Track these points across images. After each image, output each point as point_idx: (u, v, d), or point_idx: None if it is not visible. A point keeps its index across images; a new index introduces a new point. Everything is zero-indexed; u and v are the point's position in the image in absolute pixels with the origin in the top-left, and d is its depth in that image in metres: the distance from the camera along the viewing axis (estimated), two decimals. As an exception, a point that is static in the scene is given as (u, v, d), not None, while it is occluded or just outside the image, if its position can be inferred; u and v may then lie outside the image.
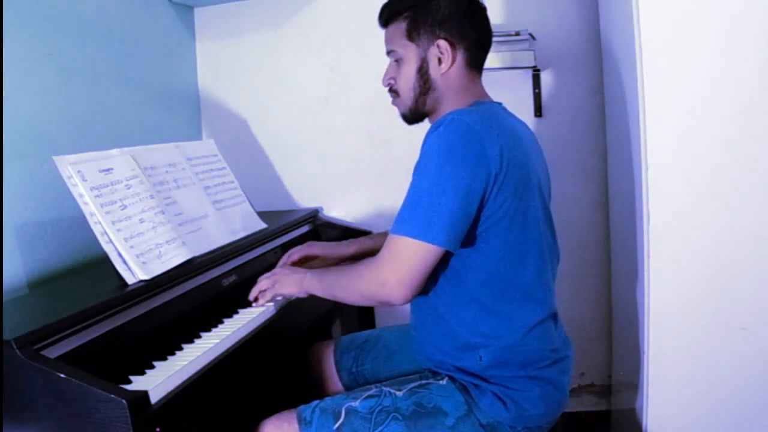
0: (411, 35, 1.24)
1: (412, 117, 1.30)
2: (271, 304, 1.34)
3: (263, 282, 1.32)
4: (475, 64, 1.26)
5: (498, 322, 1.16)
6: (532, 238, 1.16)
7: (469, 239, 1.12)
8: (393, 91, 1.30)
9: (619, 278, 1.79)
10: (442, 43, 1.22)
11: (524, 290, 1.16)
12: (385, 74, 1.30)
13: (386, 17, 1.28)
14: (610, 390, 2.04)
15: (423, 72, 1.24)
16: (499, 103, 1.28)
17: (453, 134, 1.09)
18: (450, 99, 1.25)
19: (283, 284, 1.29)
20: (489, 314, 1.16)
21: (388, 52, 1.29)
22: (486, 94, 1.29)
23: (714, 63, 1.34)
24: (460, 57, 1.23)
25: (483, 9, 1.27)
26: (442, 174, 1.07)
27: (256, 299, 1.33)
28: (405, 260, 1.08)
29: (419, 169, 1.11)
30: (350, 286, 1.17)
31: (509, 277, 1.15)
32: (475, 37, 1.24)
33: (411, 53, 1.24)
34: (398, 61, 1.27)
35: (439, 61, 1.23)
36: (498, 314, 1.15)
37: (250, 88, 2.14)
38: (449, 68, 1.23)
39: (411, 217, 1.09)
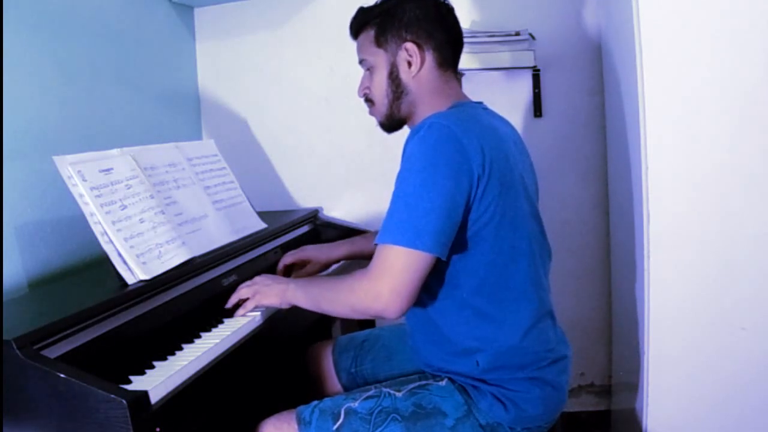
0: (379, 41, 1.25)
1: (389, 123, 1.29)
2: (257, 314, 1.26)
3: (243, 291, 1.27)
4: (447, 64, 1.26)
5: (493, 326, 1.15)
6: (522, 238, 1.15)
7: (460, 245, 1.11)
8: (368, 101, 1.30)
9: (619, 278, 1.79)
10: (409, 45, 1.22)
11: (518, 291, 1.16)
12: (360, 85, 1.31)
13: (356, 28, 1.30)
14: (610, 390, 2.04)
15: (394, 76, 1.24)
16: (480, 103, 1.28)
17: (433, 138, 1.07)
18: (425, 102, 1.24)
19: (264, 294, 1.24)
20: (484, 319, 1.15)
21: (360, 62, 1.30)
22: (464, 95, 1.28)
23: (714, 63, 1.34)
24: (429, 58, 1.23)
25: (450, 9, 1.27)
26: (425, 179, 1.06)
27: (236, 307, 1.26)
28: (397, 270, 1.04)
29: (402, 176, 1.09)
30: (340, 300, 1.13)
31: (502, 279, 1.14)
32: (443, 37, 1.24)
33: (381, 60, 1.25)
34: (370, 70, 1.28)
35: (409, 64, 1.23)
36: (493, 318, 1.15)
37: (250, 88, 2.14)
38: (419, 70, 1.23)
39: (398, 226, 1.06)
